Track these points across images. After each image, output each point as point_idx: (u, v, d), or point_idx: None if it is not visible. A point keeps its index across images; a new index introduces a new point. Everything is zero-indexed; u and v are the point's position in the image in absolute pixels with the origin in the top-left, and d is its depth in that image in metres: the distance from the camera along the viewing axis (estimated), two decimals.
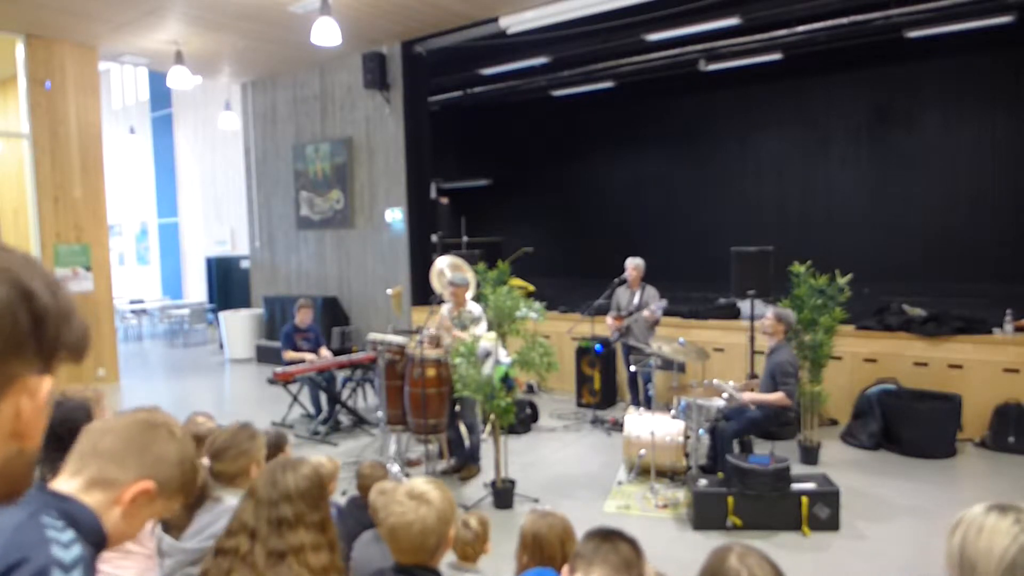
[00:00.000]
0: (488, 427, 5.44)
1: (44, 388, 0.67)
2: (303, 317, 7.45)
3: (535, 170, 15.37)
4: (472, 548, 2.58)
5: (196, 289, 15.05)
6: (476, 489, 5.43)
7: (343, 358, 7.37)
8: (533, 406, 7.34)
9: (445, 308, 6.02)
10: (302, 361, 7.16)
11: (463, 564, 2.58)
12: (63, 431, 2.58)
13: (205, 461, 2.41)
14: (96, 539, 0.81)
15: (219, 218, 14.37)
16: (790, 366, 5.31)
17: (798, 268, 5.96)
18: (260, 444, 2.50)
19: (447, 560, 2.38)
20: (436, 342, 5.75)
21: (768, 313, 5.69)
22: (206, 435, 3.52)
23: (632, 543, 1.84)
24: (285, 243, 11.85)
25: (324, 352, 7.50)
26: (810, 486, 4.61)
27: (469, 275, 6.49)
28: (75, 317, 0.70)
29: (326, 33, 6.97)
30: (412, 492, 1.94)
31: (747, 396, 5.34)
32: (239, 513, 1.94)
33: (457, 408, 5.80)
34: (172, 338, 14.01)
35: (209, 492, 2.37)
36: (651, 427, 5.43)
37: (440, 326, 5.86)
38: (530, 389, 8.45)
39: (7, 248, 0.69)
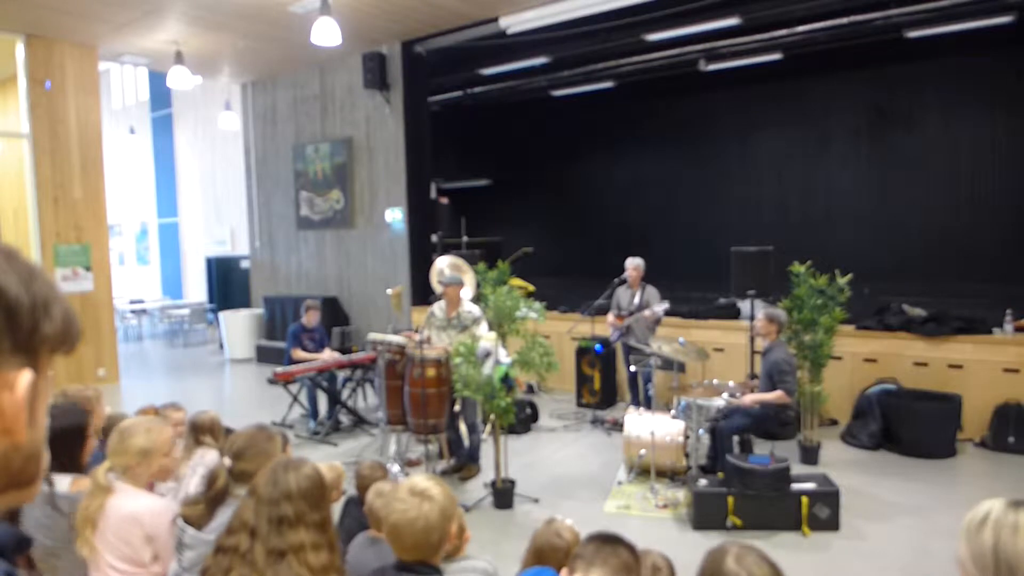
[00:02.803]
0: (488, 427, 5.43)
1: (23, 382, 0.66)
2: (311, 318, 7.48)
3: (535, 170, 15.35)
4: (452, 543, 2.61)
5: (196, 289, 15.05)
6: (476, 489, 5.43)
7: (343, 358, 7.38)
8: (533, 406, 7.34)
9: (437, 307, 6.00)
10: (311, 361, 7.20)
11: (454, 557, 2.60)
12: (56, 432, 2.66)
13: (227, 461, 2.50)
14: (9, 545, 0.78)
15: (219, 218, 14.37)
16: (786, 364, 5.31)
17: (798, 268, 5.96)
18: (277, 445, 2.60)
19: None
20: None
21: (759, 315, 5.68)
22: (208, 424, 3.56)
23: (632, 549, 1.84)
24: (285, 243, 11.85)
25: (329, 352, 7.53)
26: (810, 486, 4.61)
27: (468, 275, 6.49)
28: (55, 308, 0.69)
29: (326, 33, 6.96)
30: (414, 489, 1.95)
31: (748, 399, 5.35)
32: (240, 511, 1.95)
33: (458, 408, 5.79)
34: (172, 338, 14.01)
35: (231, 490, 2.47)
36: (651, 427, 5.43)
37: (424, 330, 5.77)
38: (530, 389, 8.45)
39: None
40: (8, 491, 0.73)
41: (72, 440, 2.70)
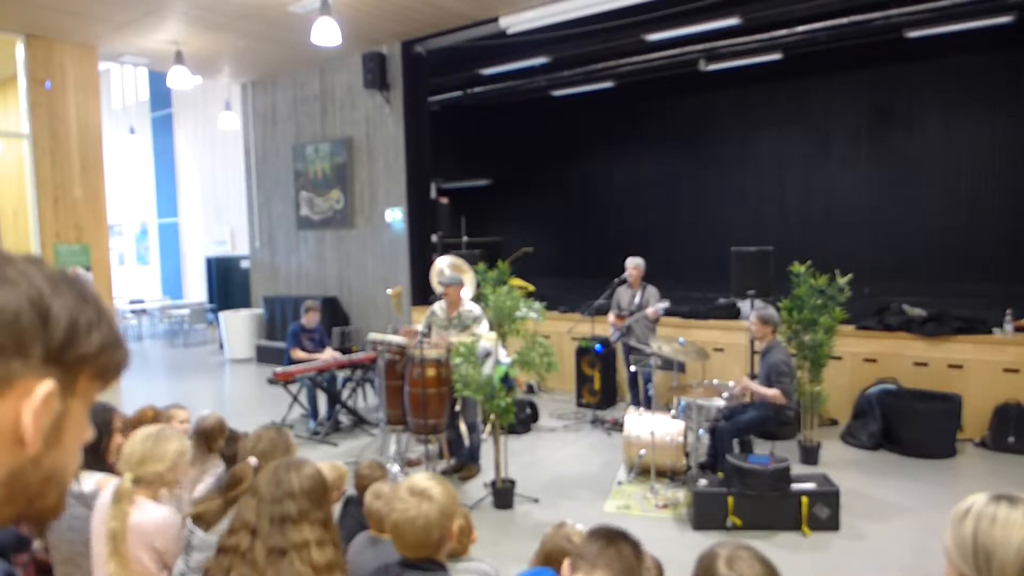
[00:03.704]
0: (488, 427, 5.43)
1: (41, 390, 0.66)
2: (311, 319, 7.49)
3: (535, 170, 15.36)
4: (459, 542, 2.61)
5: (196, 289, 15.05)
6: (476, 489, 5.43)
7: (343, 358, 7.39)
8: (533, 406, 7.34)
9: (438, 307, 6.01)
10: (311, 360, 7.21)
11: (459, 557, 2.60)
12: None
13: (253, 461, 2.48)
14: (10, 545, 0.78)
15: (219, 218, 14.37)
16: (784, 365, 5.31)
17: (798, 268, 5.96)
18: (294, 450, 2.65)
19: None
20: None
21: (752, 317, 5.66)
22: (218, 427, 3.56)
23: (635, 545, 1.83)
24: (285, 243, 11.85)
25: (331, 351, 7.54)
26: (810, 486, 4.61)
27: (468, 275, 6.49)
28: (96, 333, 0.70)
29: (326, 33, 6.97)
30: (414, 488, 1.96)
31: (746, 381, 5.35)
32: (241, 511, 1.95)
33: (458, 408, 5.80)
34: (172, 338, 14.01)
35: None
36: (651, 427, 5.43)
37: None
38: (530, 389, 8.45)
39: (36, 260, 0.70)
40: (25, 517, 0.71)
41: (96, 437, 2.68)
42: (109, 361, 0.71)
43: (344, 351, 8.04)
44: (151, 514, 2.38)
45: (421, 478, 2.03)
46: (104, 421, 2.76)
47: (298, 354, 7.36)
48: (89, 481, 2.58)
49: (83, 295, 0.70)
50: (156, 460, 2.42)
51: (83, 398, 0.71)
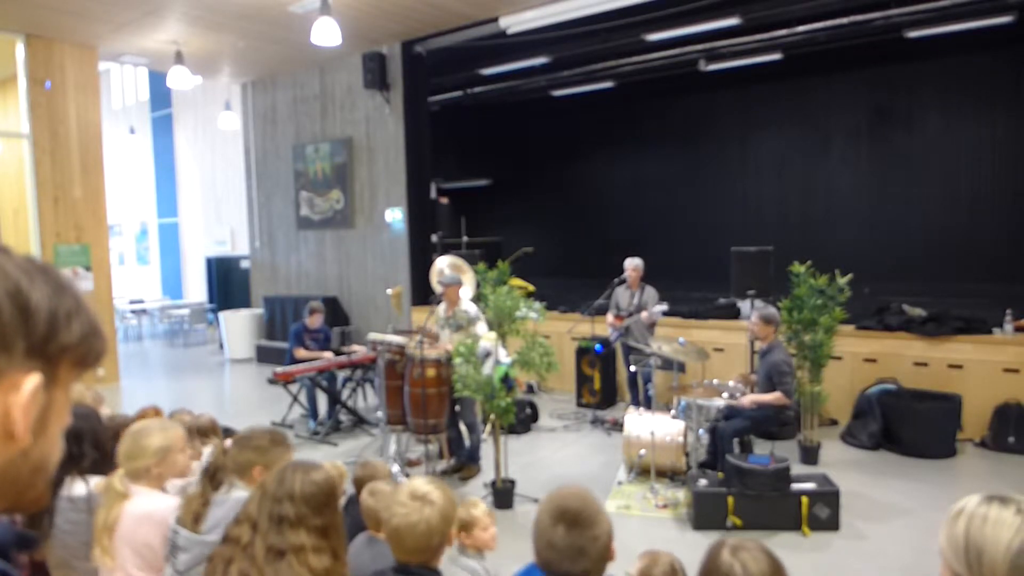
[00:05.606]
0: (488, 427, 5.43)
1: (29, 384, 0.66)
2: (315, 320, 7.51)
3: (535, 170, 15.36)
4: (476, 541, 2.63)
5: (196, 289, 15.05)
6: (476, 489, 5.43)
7: (343, 358, 7.39)
8: (533, 406, 7.34)
9: (441, 308, 6.03)
10: (313, 360, 7.22)
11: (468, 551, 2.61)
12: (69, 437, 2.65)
13: (228, 443, 2.48)
14: (10, 543, 0.78)
15: (219, 218, 14.37)
16: (785, 365, 5.31)
17: (798, 268, 5.96)
18: (284, 452, 2.62)
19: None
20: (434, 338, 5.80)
21: (752, 317, 5.66)
22: (209, 426, 3.58)
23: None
24: (285, 243, 11.85)
25: (355, 348, 7.57)
26: (810, 486, 4.61)
27: (467, 275, 6.49)
28: (76, 322, 0.70)
29: (326, 33, 6.97)
30: (415, 493, 1.96)
31: (747, 400, 5.35)
32: (247, 503, 1.95)
33: (457, 408, 5.80)
34: (172, 338, 14.01)
35: (225, 477, 2.42)
36: (651, 427, 5.43)
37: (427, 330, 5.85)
38: (530, 389, 8.45)
39: (5, 250, 0.69)
40: (15, 508, 0.72)
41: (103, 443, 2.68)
42: (89, 350, 0.72)
43: (338, 352, 8.03)
44: (152, 501, 2.40)
45: (421, 482, 2.03)
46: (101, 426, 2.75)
47: (302, 353, 7.37)
48: (82, 486, 2.56)
49: (59, 284, 0.70)
50: (138, 456, 2.44)
51: (64, 387, 0.71)
